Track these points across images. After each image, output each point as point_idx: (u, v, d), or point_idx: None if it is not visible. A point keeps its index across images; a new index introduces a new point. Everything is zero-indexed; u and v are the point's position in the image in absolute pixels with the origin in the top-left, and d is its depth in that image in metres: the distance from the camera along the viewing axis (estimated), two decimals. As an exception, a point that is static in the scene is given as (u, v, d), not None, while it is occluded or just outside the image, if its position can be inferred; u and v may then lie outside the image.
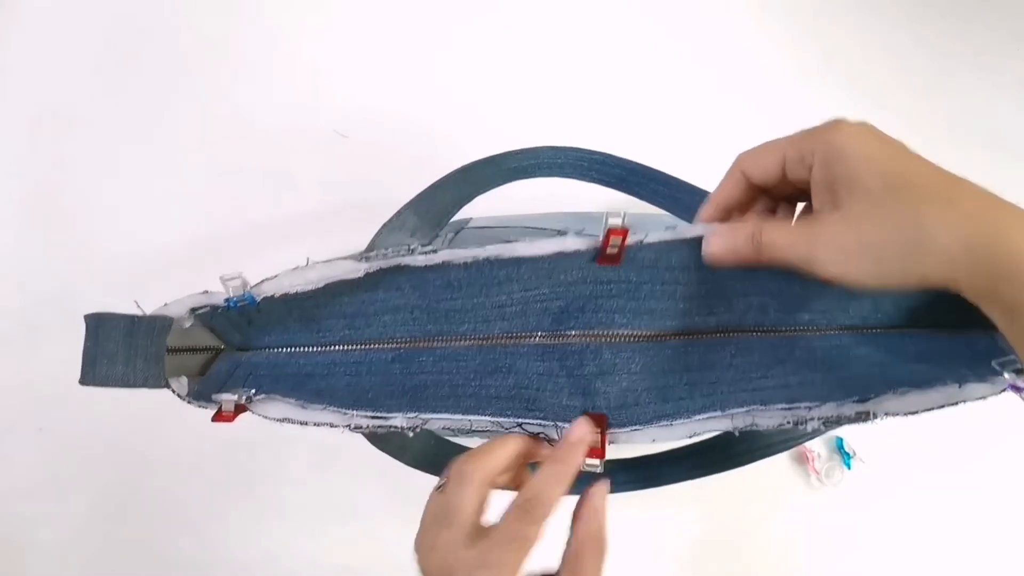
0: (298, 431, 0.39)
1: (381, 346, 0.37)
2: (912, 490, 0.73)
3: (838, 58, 0.85)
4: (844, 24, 0.86)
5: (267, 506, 0.68)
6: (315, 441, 0.68)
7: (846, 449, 0.73)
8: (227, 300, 0.34)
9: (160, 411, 0.62)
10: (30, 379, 0.69)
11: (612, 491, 0.45)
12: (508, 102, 0.81)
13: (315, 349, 0.37)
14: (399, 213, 0.42)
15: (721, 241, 0.33)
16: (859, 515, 0.72)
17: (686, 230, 0.34)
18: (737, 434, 0.34)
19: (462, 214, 0.46)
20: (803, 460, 0.73)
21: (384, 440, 0.42)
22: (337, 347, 0.37)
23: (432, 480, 0.35)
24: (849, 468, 0.73)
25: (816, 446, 0.74)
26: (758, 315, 0.36)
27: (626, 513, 0.68)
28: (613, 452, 0.40)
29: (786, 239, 0.31)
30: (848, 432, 0.74)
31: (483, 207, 0.48)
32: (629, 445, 0.34)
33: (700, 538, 0.70)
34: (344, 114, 0.80)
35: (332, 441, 0.63)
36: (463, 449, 0.44)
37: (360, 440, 0.41)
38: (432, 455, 0.43)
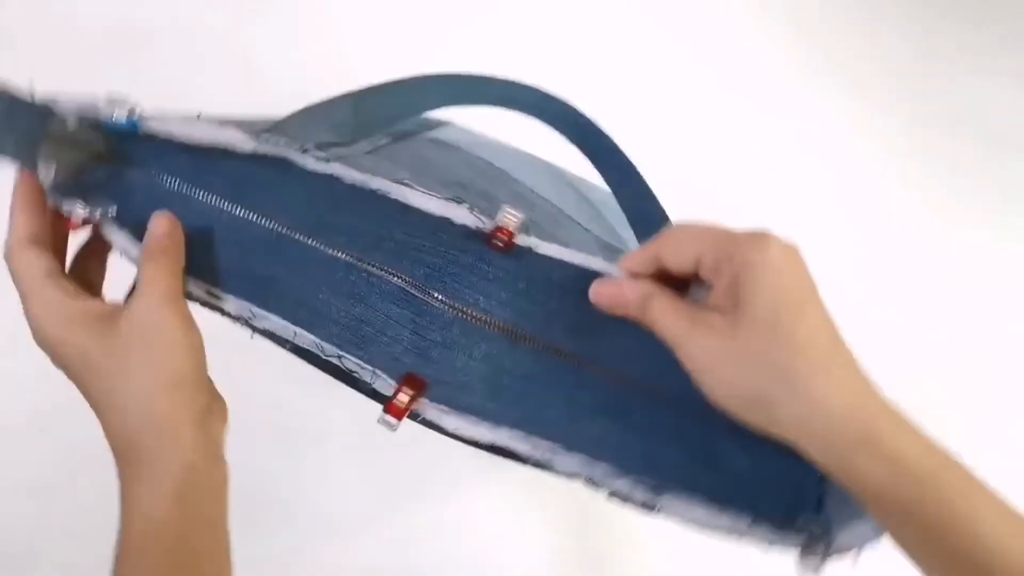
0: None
1: (256, 220, 0.35)
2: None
3: (838, 58, 0.83)
4: (844, 24, 0.84)
5: (268, 505, 0.67)
6: (326, 444, 0.68)
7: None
8: (108, 118, 0.33)
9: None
10: (32, 381, 0.66)
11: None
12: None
13: (192, 198, 0.36)
14: (334, 99, 0.39)
15: (611, 292, 0.33)
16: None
17: (583, 259, 0.34)
18: (531, 465, 0.34)
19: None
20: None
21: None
22: (213, 205, 0.36)
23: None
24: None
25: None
26: (619, 358, 0.35)
27: (623, 512, 0.68)
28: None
29: (670, 318, 0.31)
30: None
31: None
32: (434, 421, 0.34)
33: (696, 538, 0.70)
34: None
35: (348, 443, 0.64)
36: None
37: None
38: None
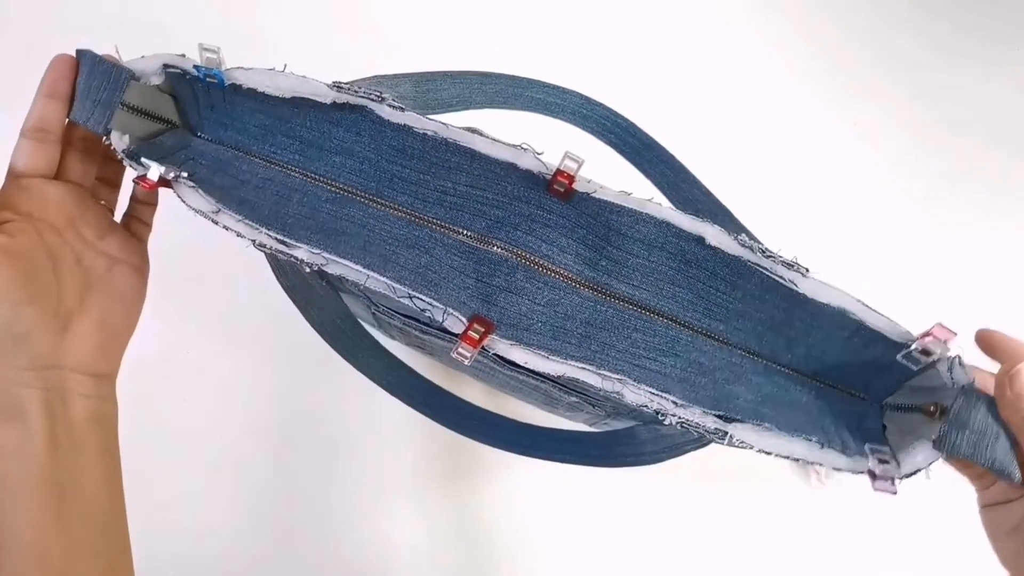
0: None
1: (322, 183, 0.37)
2: (912, 491, 0.70)
3: (837, 58, 0.85)
4: (843, 23, 0.86)
5: (267, 504, 0.66)
6: (337, 449, 0.66)
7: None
8: (196, 67, 0.34)
9: (165, 413, 0.64)
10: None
11: (493, 444, 0.45)
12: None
13: (261, 161, 0.38)
14: (399, 76, 0.42)
15: (1004, 339, 0.33)
16: (859, 516, 0.69)
17: (639, 204, 0.35)
18: (600, 398, 0.35)
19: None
20: (803, 460, 0.71)
21: (298, 294, 0.42)
22: (281, 168, 0.38)
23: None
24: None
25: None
26: (675, 306, 0.37)
27: (621, 510, 0.66)
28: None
29: None
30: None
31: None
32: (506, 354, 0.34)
33: (696, 539, 0.67)
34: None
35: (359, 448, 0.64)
36: (368, 336, 0.44)
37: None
38: (338, 329, 0.43)
